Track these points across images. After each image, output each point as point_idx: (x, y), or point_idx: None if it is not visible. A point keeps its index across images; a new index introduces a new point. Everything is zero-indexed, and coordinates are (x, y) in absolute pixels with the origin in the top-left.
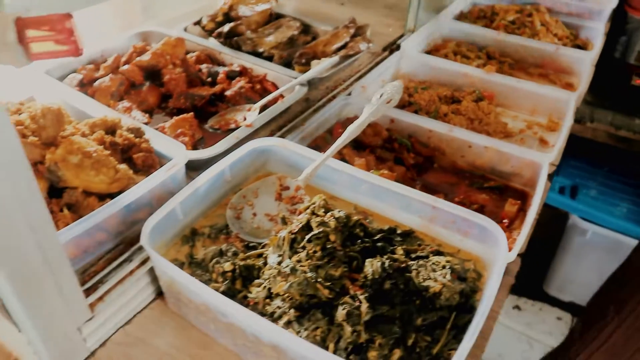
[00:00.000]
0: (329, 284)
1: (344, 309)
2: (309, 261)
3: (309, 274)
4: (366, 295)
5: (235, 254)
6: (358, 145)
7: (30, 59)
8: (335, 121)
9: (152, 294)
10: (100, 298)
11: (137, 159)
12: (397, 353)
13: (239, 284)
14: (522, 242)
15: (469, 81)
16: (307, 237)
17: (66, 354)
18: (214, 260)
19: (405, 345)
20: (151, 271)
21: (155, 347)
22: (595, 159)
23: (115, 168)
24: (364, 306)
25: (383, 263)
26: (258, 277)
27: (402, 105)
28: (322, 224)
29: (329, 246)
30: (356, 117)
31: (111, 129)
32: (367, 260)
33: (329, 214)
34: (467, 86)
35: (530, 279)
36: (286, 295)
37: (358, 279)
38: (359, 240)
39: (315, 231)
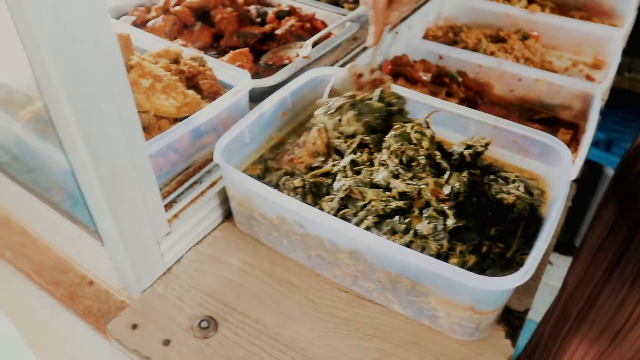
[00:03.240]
0: (414, 182)
1: (429, 222)
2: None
3: (397, 168)
4: (453, 210)
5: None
6: (409, 80)
7: None
8: (384, 58)
9: (220, 217)
10: (176, 215)
11: (203, 85)
12: (473, 258)
13: (309, 199)
14: (581, 163)
15: (511, 22)
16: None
17: (146, 268)
18: (285, 178)
19: (480, 251)
20: (219, 193)
21: (228, 264)
22: (632, 111)
23: (183, 93)
24: (451, 220)
25: (466, 178)
26: (327, 194)
27: (448, 45)
28: (418, 132)
29: (421, 154)
30: (404, 55)
31: (174, 59)
32: (454, 173)
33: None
34: (510, 27)
35: (562, 233)
36: (366, 201)
37: (440, 192)
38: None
39: (412, 137)
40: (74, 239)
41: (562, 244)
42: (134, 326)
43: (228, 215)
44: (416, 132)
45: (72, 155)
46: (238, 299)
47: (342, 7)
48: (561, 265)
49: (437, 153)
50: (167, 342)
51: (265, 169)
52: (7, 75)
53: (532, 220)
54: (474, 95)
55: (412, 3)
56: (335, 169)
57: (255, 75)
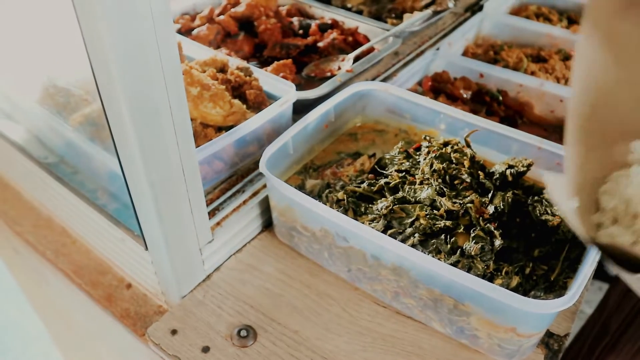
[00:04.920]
0: (459, 201)
1: (476, 242)
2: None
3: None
4: (500, 230)
5: (342, 187)
6: (449, 97)
7: None
8: (424, 74)
9: (260, 226)
10: (218, 223)
11: (249, 95)
12: (516, 280)
13: (350, 214)
14: None
15: (552, 42)
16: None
17: (187, 274)
18: (327, 191)
19: (524, 273)
20: (261, 203)
21: (267, 274)
22: None
23: (230, 102)
24: (498, 241)
25: (510, 198)
26: (365, 213)
27: (488, 63)
28: (458, 151)
29: (463, 173)
30: (444, 72)
31: (221, 68)
32: (498, 193)
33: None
34: (551, 47)
35: None
36: (413, 217)
37: (484, 212)
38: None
39: (452, 157)
40: (116, 241)
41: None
42: (174, 331)
43: (267, 225)
44: (455, 151)
45: (125, 160)
46: (277, 309)
47: (385, 22)
48: (588, 288)
49: (481, 172)
50: (206, 349)
51: (306, 179)
52: (66, 80)
53: (576, 243)
54: (514, 114)
55: None
56: (382, 181)
57: (297, 87)
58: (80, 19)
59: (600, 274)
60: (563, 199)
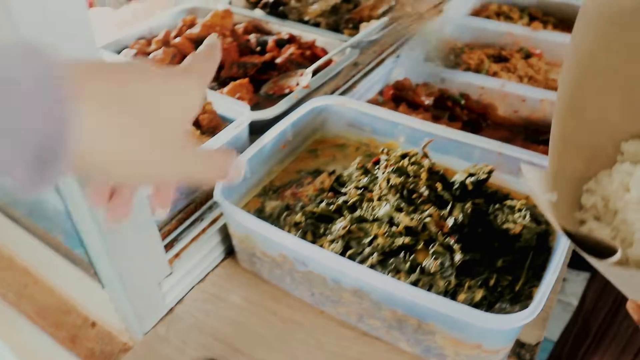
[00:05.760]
0: (417, 215)
1: (435, 258)
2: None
3: (399, 202)
4: (459, 243)
5: (302, 208)
6: (411, 104)
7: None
8: (385, 84)
9: (222, 254)
10: (177, 255)
11: (202, 120)
12: (480, 292)
13: (309, 237)
14: None
15: (513, 41)
16: (396, 169)
17: (147, 310)
18: (285, 214)
19: (487, 285)
20: (221, 230)
21: (231, 302)
22: None
23: None
24: (458, 256)
25: (470, 209)
26: (324, 234)
27: (450, 67)
28: (416, 163)
29: (421, 186)
30: (405, 80)
31: None
32: (457, 204)
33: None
34: (512, 46)
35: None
36: (371, 236)
37: (443, 225)
38: (442, 187)
39: (408, 169)
40: (75, 280)
41: (575, 259)
42: None
43: (230, 252)
44: (413, 163)
45: (68, 199)
46: (242, 339)
47: (342, 33)
48: (574, 280)
49: (439, 184)
50: None
51: (266, 202)
52: None
53: (542, 249)
54: (478, 117)
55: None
56: (340, 200)
57: (256, 106)
58: None
59: (584, 263)
60: (541, 191)
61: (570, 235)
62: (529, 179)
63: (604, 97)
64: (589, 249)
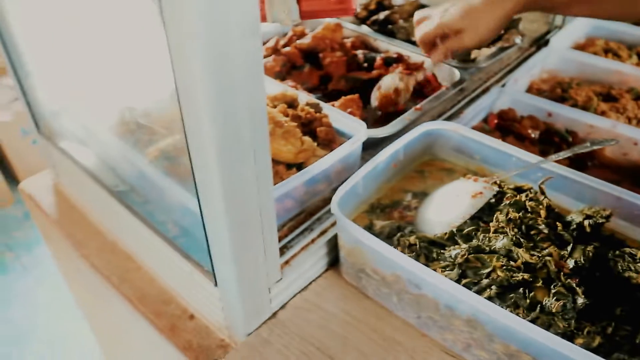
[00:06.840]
0: (537, 253)
1: (557, 299)
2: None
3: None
4: (582, 287)
5: (412, 231)
6: (517, 137)
7: (300, 17)
8: (489, 112)
9: (326, 265)
10: (287, 262)
11: (319, 132)
12: (597, 339)
13: (422, 260)
14: None
15: (622, 80)
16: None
17: (254, 312)
18: (399, 234)
19: (605, 332)
20: (329, 242)
21: (332, 314)
22: None
23: (301, 139)
24: (581, 300)
25: (592, 252)
26: (437, 259)
27: (555, 100)
28: (534, 199)
29: (540, 223)
30: (510, 110)
31: (290, 103)
32: (578, 246)
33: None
34: (621, 85)
35: None
36: (489, 269)
37: (564, 265)
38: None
39: (527, 206)
40: (183, 274)
41: None
42: None
43: (332, 263)
44: (531, 199)
45: (205, 201)
46: (343, 353)
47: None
48: None
49: (559, 223)
50: None
51: (374, 220)
52: (147, 115)
53: None
54: (584, 156)
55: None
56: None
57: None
58: (174, 61)
59: None
60: None
61: None
62: None
63: None
64: None
